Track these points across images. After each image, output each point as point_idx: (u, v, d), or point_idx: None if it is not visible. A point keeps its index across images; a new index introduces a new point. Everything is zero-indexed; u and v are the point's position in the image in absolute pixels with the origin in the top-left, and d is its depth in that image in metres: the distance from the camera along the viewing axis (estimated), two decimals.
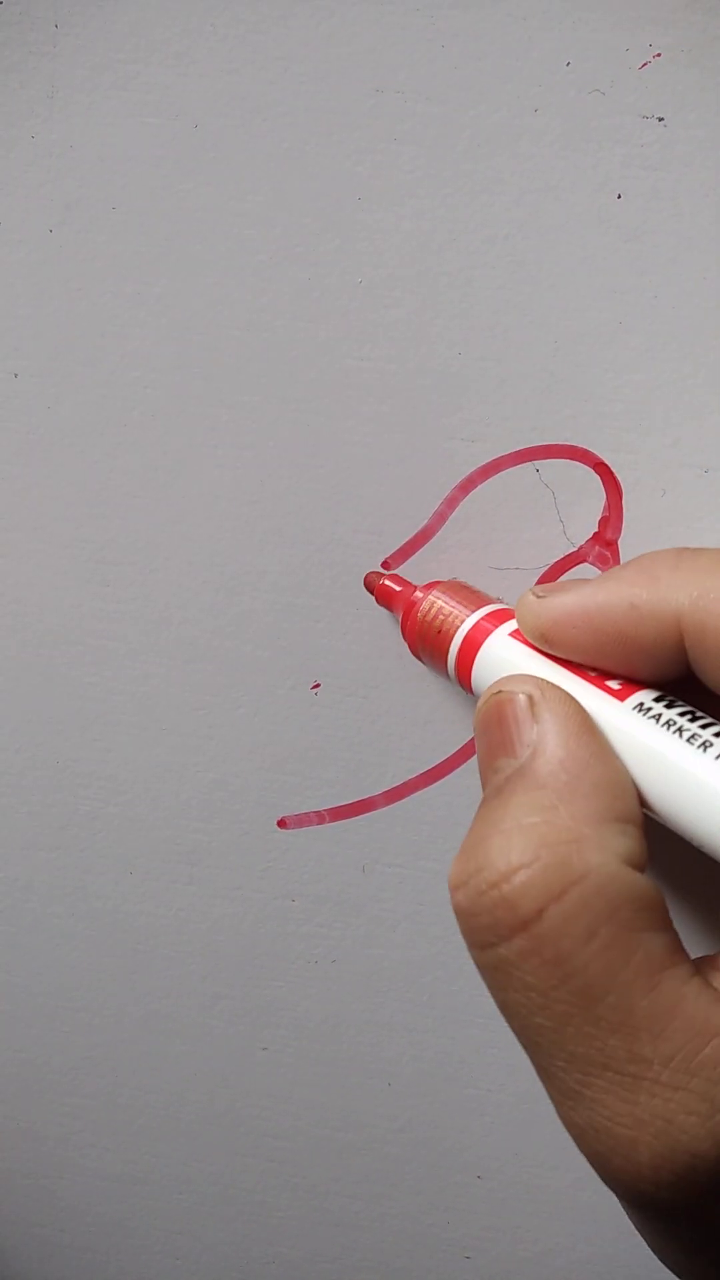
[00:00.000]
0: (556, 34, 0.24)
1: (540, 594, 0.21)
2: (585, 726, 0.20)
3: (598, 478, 0.27)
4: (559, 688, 0.21)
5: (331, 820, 0.31)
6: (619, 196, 0.25)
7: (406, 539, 0.28)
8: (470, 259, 0.26)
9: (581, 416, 0.27)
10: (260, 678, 0.30)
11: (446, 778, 0.30)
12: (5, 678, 0.32)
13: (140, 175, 0.27)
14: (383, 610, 0.29)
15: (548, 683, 0.21)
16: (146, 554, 0.30)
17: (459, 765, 0.30)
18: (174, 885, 0.33)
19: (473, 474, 0.28)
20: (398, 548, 0.28)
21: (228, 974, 0.34)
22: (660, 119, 0.25)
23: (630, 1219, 0.19)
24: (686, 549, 0.20)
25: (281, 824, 0.32)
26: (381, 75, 0.25)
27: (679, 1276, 0.19)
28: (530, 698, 0.20)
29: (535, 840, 0.18)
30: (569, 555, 0.28)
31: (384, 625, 0.29)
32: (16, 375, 0.29)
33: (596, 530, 0.27)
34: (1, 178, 0.27)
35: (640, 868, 0.18)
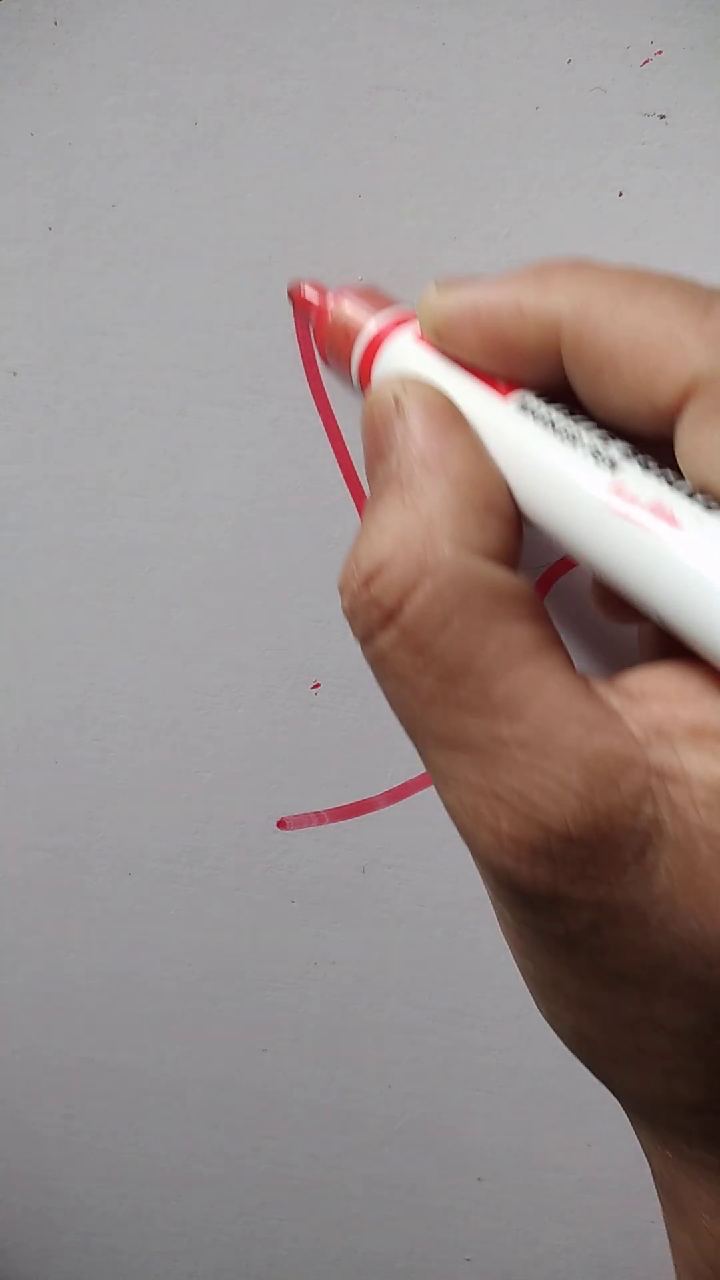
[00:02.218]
0: (557, 31, 0.24)
1: (440, 287, 0.21)
2: (447, 420, 0.20)
3: None
4: (423, 383, 0.20)
5: (331, 820, 0.31)
6: (620, 194, 0.25)
7: None
8: (471, 257, 0.26)
9: None
10: (260, 678, 0.30)
11: None
12: (5, 677, 0.32)
13: (140, 173, 0.27)
14: None
15: (412, 379, 0.21)
16: (146, 554, 0.30)
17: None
18: (174, 885, 0.33)
19: None
20: None
21: (228, 974, 0.34)
22: (662, 116, 0.25)
23: (511, 937, 0.19)
24: (589, 260, 0.20)
25: (281, 824, 0.32)
26: (381, 73, 0.25)
27: (550, 1008, 0.19)
28: (396, 397, 0.20)
29: (393, 539, 0.18)
30: (556, 564, 0.28)
31: None
32: (15, 374, 0.29)
33: None
34: (1, 176, 0.27)
35: (504, 561, 0.19)
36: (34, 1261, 0.39)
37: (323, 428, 0.28)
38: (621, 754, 0.16)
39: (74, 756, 0.32)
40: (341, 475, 0.28)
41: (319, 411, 0.28)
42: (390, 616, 0.18)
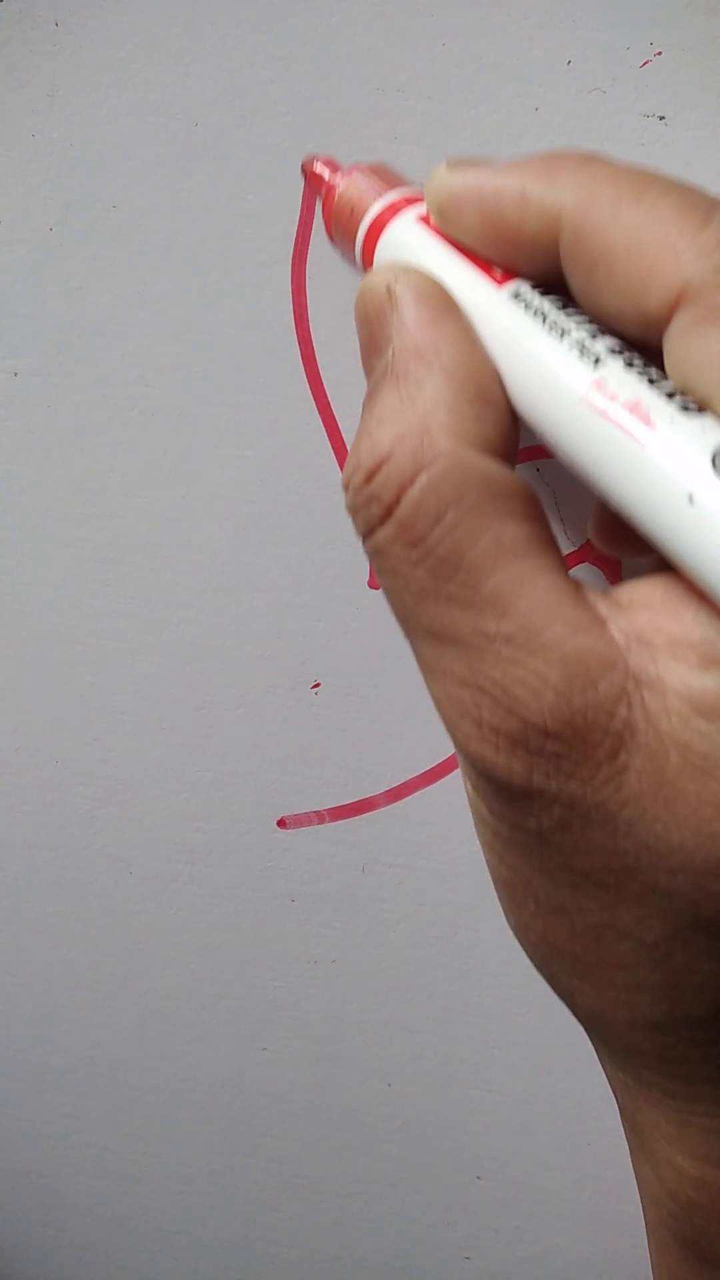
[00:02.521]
0: (557, 33, 0.24)
1: (450, 166, 0.20)
2: (440, 309, 0.19)
3: None
4: (416, 270, 0.20)
5: (331, 820, 0.31)
6: None
7: None
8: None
9: None
10: (260, 678, 0.30)
11: (446, 778, 0.30)
12: (5, 677, 0.32)
13: (140, 174, 0.27)
14: (384, 610, 0.29)
15: (404, 267, 0.20)
16: (146, 554, 0.30)
17: (459, 765, 0.30)
18: (174, 885, 0.33)
19: None
20: None
21: (227, 974, 0.34)
22: (661, 118, 0.25)
23: (481, 826, 0.20)
24: (600, 155, 0.19)
25: (281, 824, 0.32)
26: (382, 74, 0.25)
27: (519, 917, 0.19)
28: (389, 286, 0.20)
29: (390, 433, 0.18)
30: (569, 555, 0.28)
31: (384, 625, 0.29)
32: (16, 374, 0.29)
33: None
34: (2, 176, 0.27)
35: (501, 454, 0.18)
36: (34, 1261, 0.39)
37: (322, 426, 0.28)
38: (602, 656, 0.17)
39: (74, 756, 0.32)
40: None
41: (308, 382, 0.28)
42: (389, 510, 0.18)
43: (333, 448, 0.28)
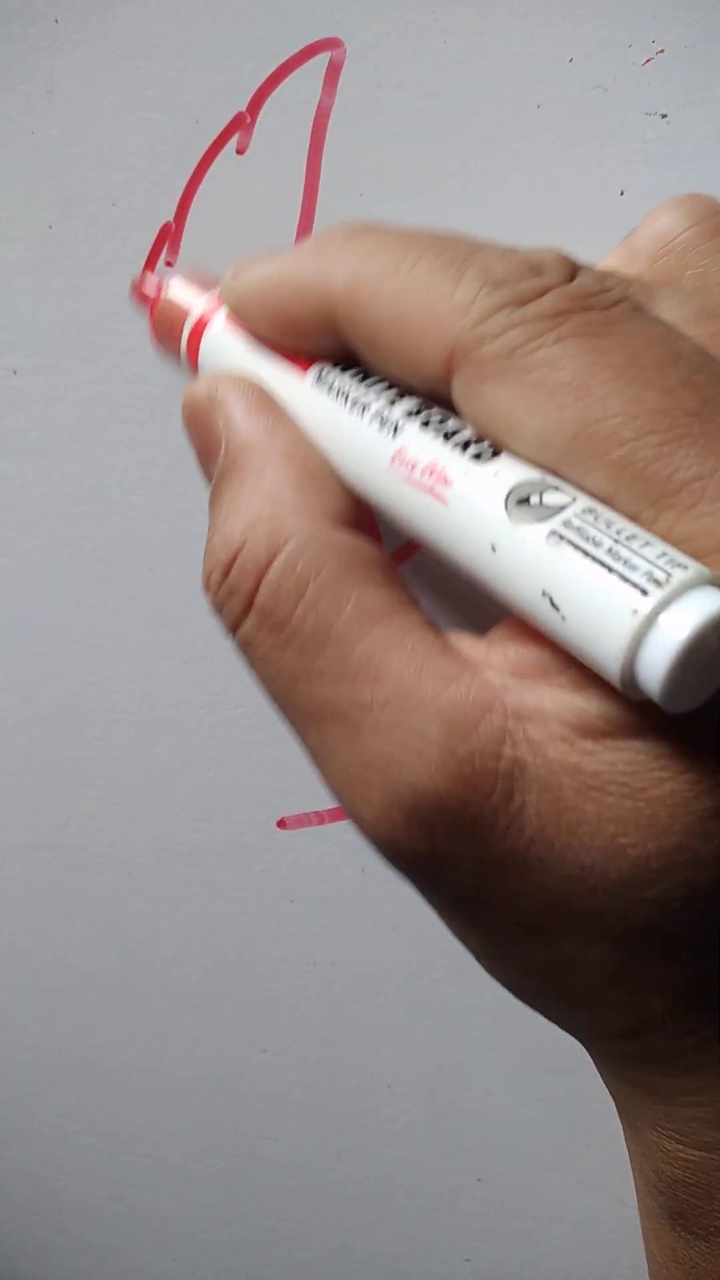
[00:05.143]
0: (559, 30, 0.24)
1: (239, 266, 0.21)
2: (261, 402, 0.20)
3: None
4: (233, 376, 0.21)
5: (331, 820, 0.31)
6: (622, 193, 0.25)
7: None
8: None
9: None
10: None
11: None
12: (5, 677, 0.32)
13: (140, 171, 0.27)
14: None
15: (222, 376, 0.21)
16: (146, 554, 0.30)
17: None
18: (174, 885, 0.33)
19: None
20: None
21: (227, 974, 0.34)
22: (664, 115, 0.25)
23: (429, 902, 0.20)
24: (368, 225, 0.20)
25: (281, 824, 0.32)
26: (383, 71, 0.25)
27: (489, 970, 0.20)
28: (209, 394, 0.20)
29: (241, 524, 0.18)
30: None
31: None
32: (15, 372, 0.29)
33: None
34: (1, 173, 0.27)
35: (349, 524, 0.19)
36: (34, 1261, 0.39)
37: None
38: (477, 700, 0.16)
39: (74, 756, 0.32)
40: None
41: None
42: (249, 600, 0.18)
43: None
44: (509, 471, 0.17)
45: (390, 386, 0.19)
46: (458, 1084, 0.33)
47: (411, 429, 0.18)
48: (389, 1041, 0.33)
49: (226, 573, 0.18)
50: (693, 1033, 0.18)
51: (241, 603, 0.18)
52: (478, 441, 0.18)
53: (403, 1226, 0.35)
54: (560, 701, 0.16)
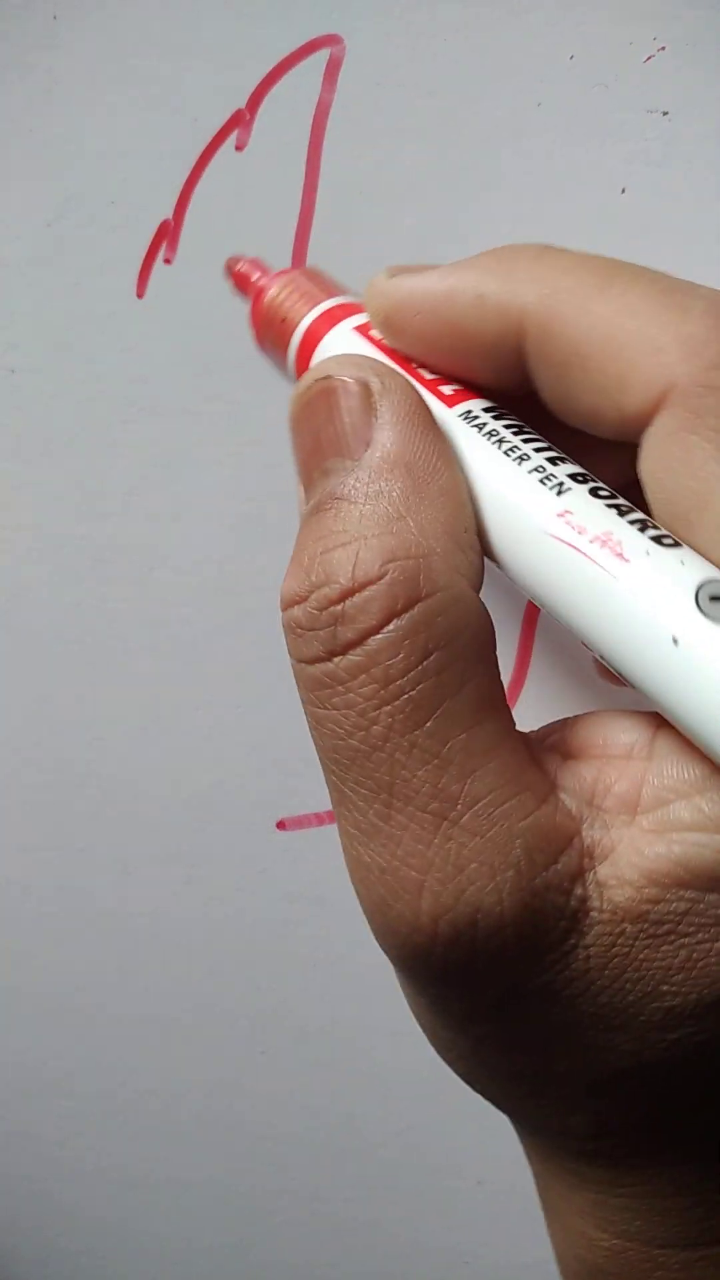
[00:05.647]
0: (560, 28, 0.24)
1: (392, 273, 0.19)
2: (429, 424, 0.18)
3: None
4: (400, 375, 0.18)
5: (331, 821, 0.31)
6: (623, 191, 0.25)
7: None
8: (473, 254, 0.26)
9: None
10: (260, 678, 0.30)
11: None
12: (5, 677, 0.32)
13: (139, 169, 0.27)
14: None
15: (387, 368, 0.18)
16: (146, 554, 0.30)
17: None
18: (173, 885, 0.33)
19: None
20: None
21: (226, 976, 0.33)
22: (665, 113, 0.24)
23: (403, 989, 0.18)
24: (554, 246, 0.18)
25: (281, 825, 0.32)
26: (383, 68, 0.25)
27: (441, 1053, 0.18)
28: (367, 386, 0.18)
29: (383, 554, 0.16)
30: None
31: None
32: (14, 371, 0.29)
33: None
34: (0, 171, 0.27)
35: (479, 590, 0.17)
36: (33, 1264, 0.39)
37: None
38: (563, 829, 0.15)
39: (74, 756, 0.32)
40: None
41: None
42: (362, 638, 0.16)
43: None
44: (697, 562, 0.15)
45: (549, 446, 0.17)
46: (458, 1087, 0.33)
47: (579, 493, 0.16)
48: (389, 1043, 0.33)
49: (346, 595, 0.16)
50: (653, 1140, 0.17)
51: (352, 636, 0.16)
52: (655, 526, 0.16)
53: (402, 1230, 0.35)
54: (636, 844, 0.15)
